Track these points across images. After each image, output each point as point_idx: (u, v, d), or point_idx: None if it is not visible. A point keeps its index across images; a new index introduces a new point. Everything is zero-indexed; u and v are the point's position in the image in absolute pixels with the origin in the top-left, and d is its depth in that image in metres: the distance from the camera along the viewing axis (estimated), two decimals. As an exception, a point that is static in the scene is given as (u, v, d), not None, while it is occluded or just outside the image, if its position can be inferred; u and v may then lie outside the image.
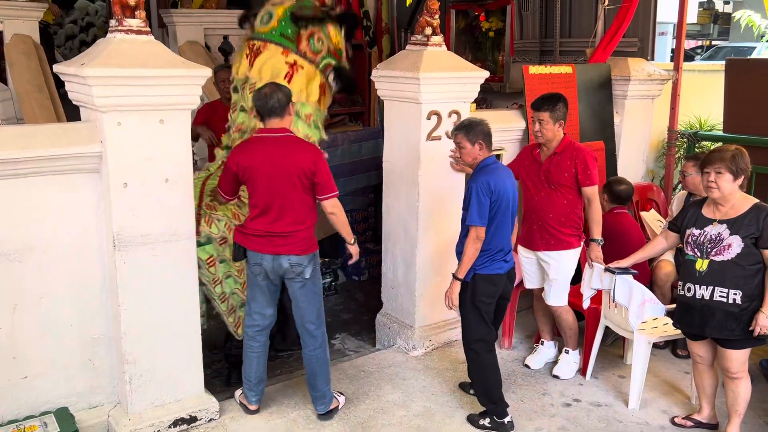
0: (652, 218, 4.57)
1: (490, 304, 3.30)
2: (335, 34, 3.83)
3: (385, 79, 4.00)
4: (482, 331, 3.30)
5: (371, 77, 4.14)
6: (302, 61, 3.72)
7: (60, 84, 3.56)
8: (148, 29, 2.94)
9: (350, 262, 3.42)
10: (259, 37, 3.76)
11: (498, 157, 4.35)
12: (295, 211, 3.19)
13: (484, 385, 3.35)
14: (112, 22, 2.90)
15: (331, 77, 3.83)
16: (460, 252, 3.29)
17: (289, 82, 3.65)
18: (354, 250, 3.38)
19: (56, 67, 3.00)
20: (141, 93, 2.85)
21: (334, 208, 3.22)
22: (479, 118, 3.32)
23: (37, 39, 4.87)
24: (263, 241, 3.20)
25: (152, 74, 2.84)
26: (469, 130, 3.25)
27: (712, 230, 3.06)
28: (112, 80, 2.77)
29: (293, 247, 3.20)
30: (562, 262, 3.71)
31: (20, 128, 3.30)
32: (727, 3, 18.99)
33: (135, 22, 2.88)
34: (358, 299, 5.45)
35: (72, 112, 3.09)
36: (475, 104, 4.26)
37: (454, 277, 3.26)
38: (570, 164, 3.59)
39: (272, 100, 3.13)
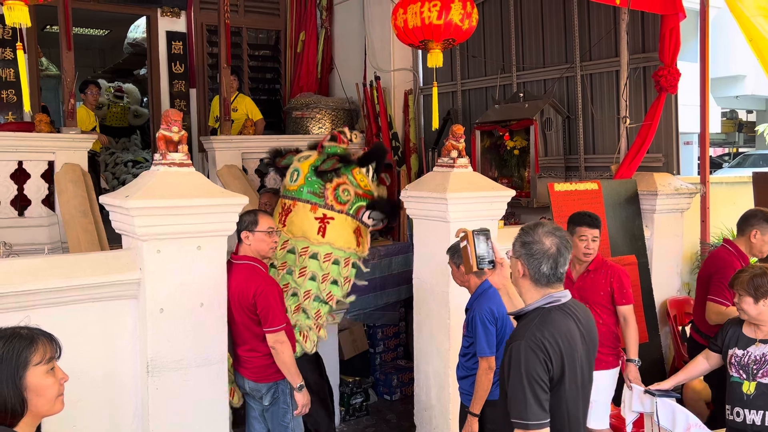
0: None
1: None
2: (361, 178, 3.96)
3: (413, 199, 4.11)
4: None
5: (400, 197, 4.26)
6: (331, 213, 3.83)
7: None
8: (190, 162, 3.11)
9: (296, 413, 3.24)
10: (289, 196, 3.91)
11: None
12: (246, 338, 3.21)
13: None
14: (157, 156, 3.08)
15: (365, 217, 3.94)
16: (461, 377, 3.19)
17: (323, 235, 3.77)
18: (299, 397, 3.19)
19: (102, 199, 3.17)
20: (180, 222, 2.98)
21: (275, 343, 3.12)
22: None
23: (85, 167, 5.15)
24: (235, 360, 3.31)
25: (192, 204, 2.98)
26: (453, 254, 3.24)
27: (755, 351, 2.96)
28: (153, 211, 2.91)
29: (249, 372, 3.24)
30: (600, 382, 3.56)
31: (63, 258, 3.44)
32: (750, 113, 19.34)
33: (178, 156, 3.06)
34: (390, 421, 5.28)
35: (114, 231, 3.25)
36: (503, 221, 4.31)
37: (471, 414, 3.09)
38: (605, 283, 3.58)
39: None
